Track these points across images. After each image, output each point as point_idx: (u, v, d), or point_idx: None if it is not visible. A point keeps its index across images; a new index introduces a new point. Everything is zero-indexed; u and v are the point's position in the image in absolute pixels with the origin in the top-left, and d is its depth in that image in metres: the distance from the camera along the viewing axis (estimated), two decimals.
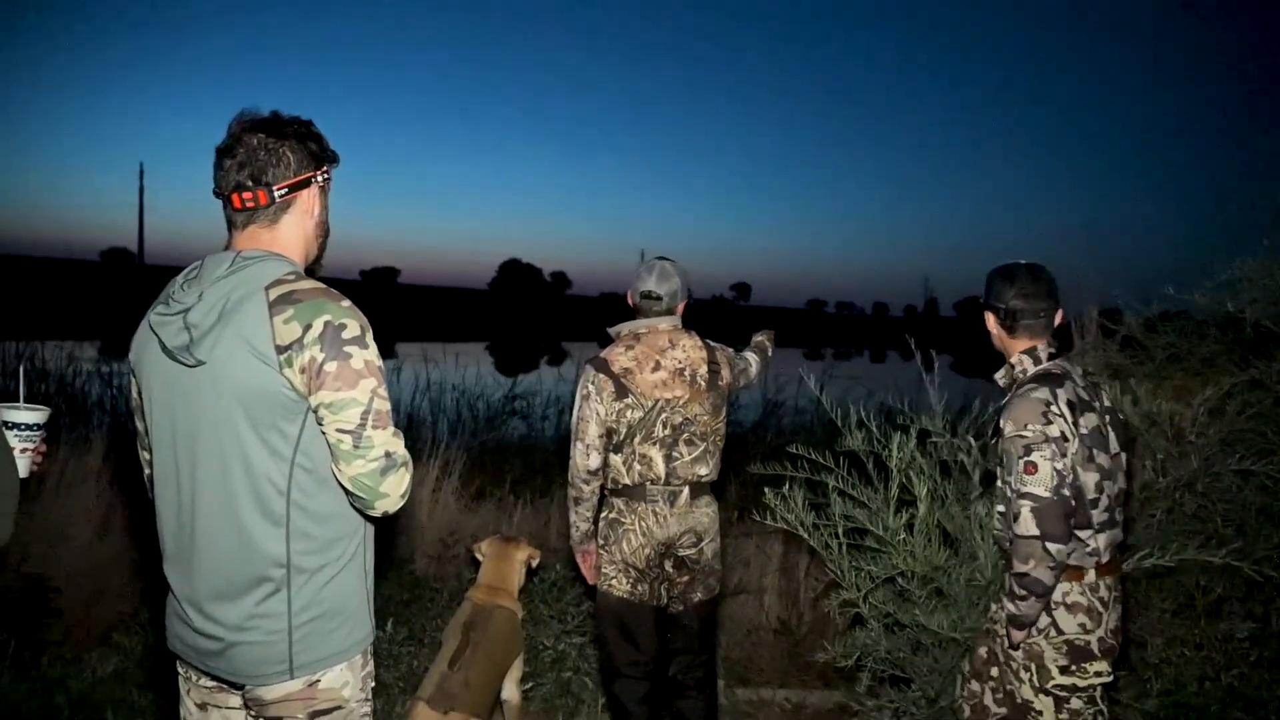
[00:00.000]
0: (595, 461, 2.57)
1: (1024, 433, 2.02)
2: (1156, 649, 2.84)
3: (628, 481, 2.57)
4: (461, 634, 2.72)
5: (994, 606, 2.31)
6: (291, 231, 1.55)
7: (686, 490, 2.58)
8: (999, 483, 2.17)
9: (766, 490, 3.07)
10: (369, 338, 1.45)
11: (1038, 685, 2.13)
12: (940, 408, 2.97)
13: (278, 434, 1.43)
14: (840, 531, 2.94)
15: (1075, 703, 2.11)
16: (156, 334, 1.48)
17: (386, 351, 1.50)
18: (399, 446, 1.46)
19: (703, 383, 2.60)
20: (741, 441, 6.30)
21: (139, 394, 1.58)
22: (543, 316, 42.29)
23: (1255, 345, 3.13)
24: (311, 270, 1.62)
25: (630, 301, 2.71)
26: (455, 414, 7.96)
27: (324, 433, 1.43)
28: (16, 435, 1.62)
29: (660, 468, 2.56)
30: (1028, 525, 1.99)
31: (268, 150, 1.49)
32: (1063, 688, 2.10)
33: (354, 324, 1.43)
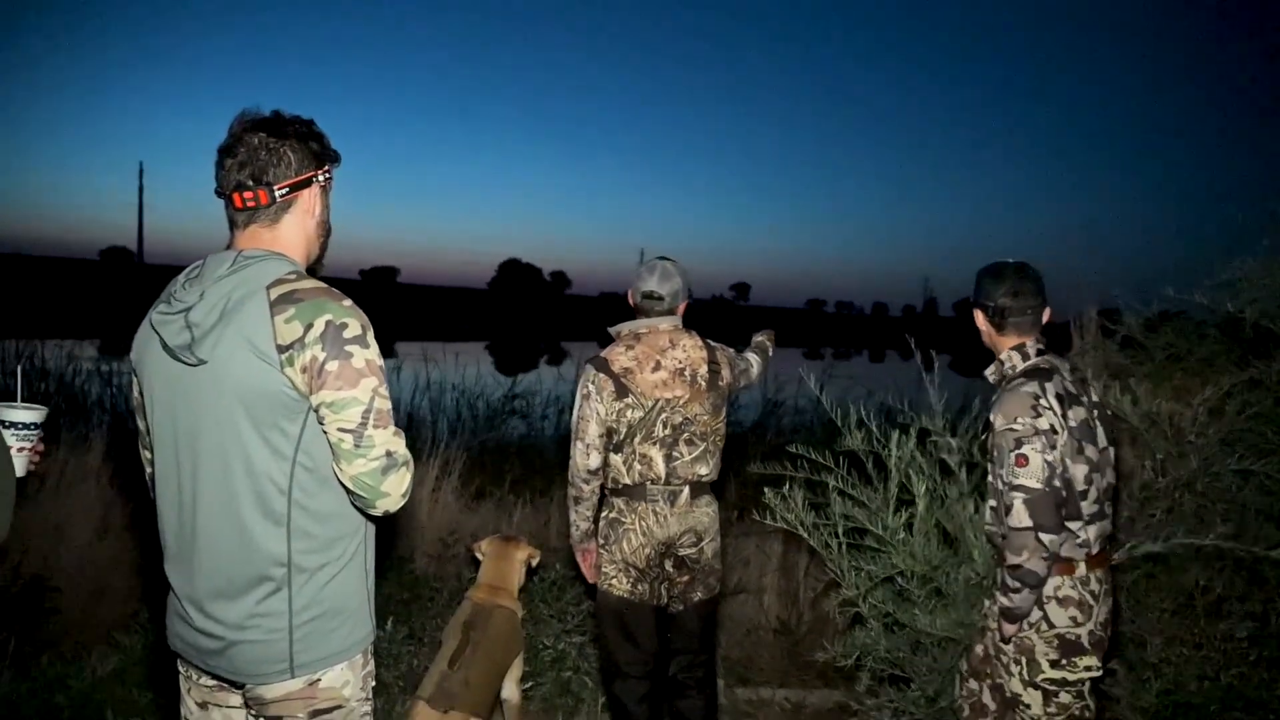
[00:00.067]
0: (595, 461, 2.57)
1: (1014, 426, 2.05)
2: (1156, 648, 2.84)
3: (628, 481, 2.57)
4: (461, 633, 2.72)
5: (987, 603, 2.31)
6: (293, 231, 1.55)
7: (687, 490, 2.58)
8: (990, 478, 2.20)
9: (766, 490, 3.07)
10: (370, 337, 1.45)
11: (1027, 679, 2.15)
12: (940, 407, 2.98)
13: (279, 433, 1.43)
14: (840, 531, 2.94)
15: (1064, 697, 2.14)
16: (158, 333, 1.48)
17: (386, 351, 1.50)
18: (400, 446, 1.46)
19: (703, 383, 2.60)
20: (741, 441, 6.30)
21: (140, 393, 1.58)
22: (542, 316, 42.30)
23: (1255, 345, 3.13)
24: (313, 269, 1.62)
25: (631, 301, 2.71)
26: (455, 413, 7.95)
27: (325, 432, 1.44)
28: (14, 434, 1.62)
29: (660, 467, 2.56)
30: (1021, 517, 2.02)
31: (269, 150, 1.50)
32: (1052, 681, 2.13)
33: (355, 323, 1.44)
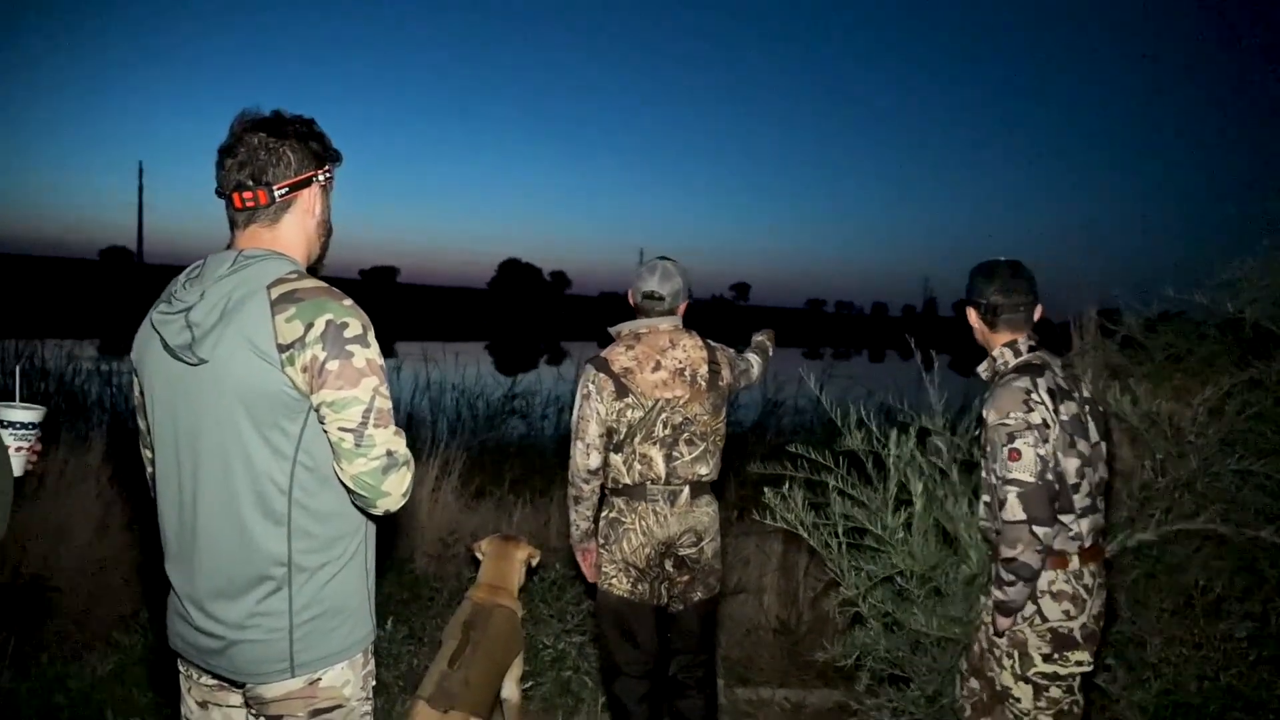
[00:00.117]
0: (595, 461, 2.57)
1: (1006, 420, 2.07)
2: (1155, 648, 2.85)
3: (628, 481, 2.57)
4: (461, 633, 2.72)
5: (983, 599, 2.33)
6: (293, 231, 1.55)
7: (687, 490, 2.58)
8: (983, 473, 2.22)
9: (766, 490, 3.08)
10: (371, 336, 1.45)
11: (1019, 672, 2.17)
12: (940, 406, 2.98)
13: (279, 432, 1.44)
14: (840, 531, 2.95)
15: (1054, 691, 2.16)
16: (159, 332, 1.48)
17: (386, 351, 1.50)
18: (400, 445, 1.46)
19: (703, 383, 2.60)
20: (741, 441, 6.30)
21: (141, 392, 1.58)
22: (542, 316, 42.29)
23: (1255, 345, 3.14)
24: (314, 269, 1.62)
25: (632, 301, 2.71)
26: (455, 413, 7.96)
27: (326, 431, 1.44)
28: (12, 434, 1.62)
29: (660, 467, 2.56)
30: (1014, 510, 2.04)
31: (268, 150, 1.50)
32: (1044, 675, 2.15)
33: (356, 323, 1.44)
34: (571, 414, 2.64)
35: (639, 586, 2.59)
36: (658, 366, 2.56)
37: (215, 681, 1.56)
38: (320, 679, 1.50)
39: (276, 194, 1.50)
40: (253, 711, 1.53)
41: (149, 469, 1.65)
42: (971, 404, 3.08)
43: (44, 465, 4.30)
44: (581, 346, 9.96)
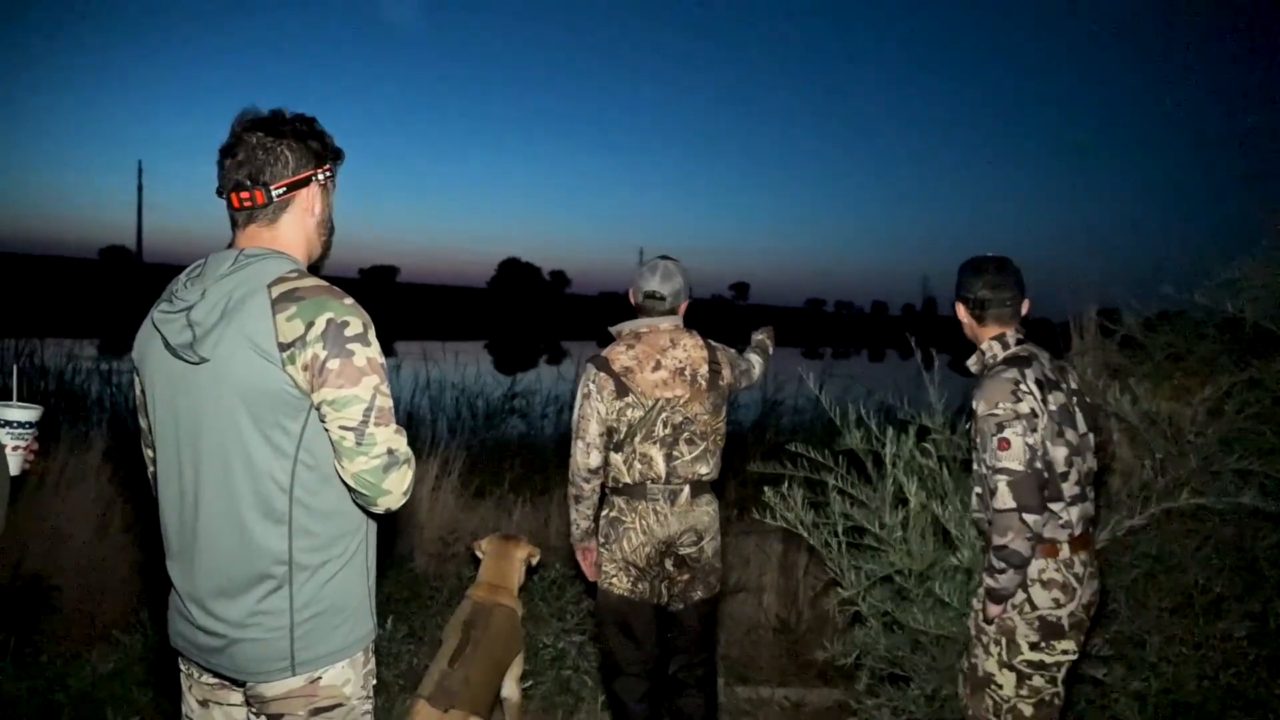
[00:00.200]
0: (596, 460, 2.57)
1: (996, 411, 2.11)
2: (1155, 648, 2.85)
3: (628, 480, 2.57)
4: (462, 632, 2.72)
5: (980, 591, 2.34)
6: (292, 230, 1.55)
7: (687, 489, 2.58)
8: (974, 465, 2.25)
9: (766, 489, 3.08)
10: (371, 335, 1.46)
11: (1005, 659, 2.20)
12: (940, 405, 2.98)
13: (280, 431, 1.44)
14: (839, 530, 2.95)
15: (1037, 680, 2.18)
16: (160, 331, 1.48)
17: (386, 350, 1.51)
18: (401, 444, 1.46)
19: (703, 382, 2.60)
20: (741, 440, 6.31)
21: (142, 391, 1.58)
22: (542, 315, 42.28)
23: (1254, 345, 3.14)
24: (315, 267, 1.62)
25: (633, 301, 2.71)
26: (455, 412, 7.96)
27: (327, 430, 1.44)
28: (9, 433, 1.63)
29: (661, 467, 2.56)
30: (1005, 499, 2.08)
31: (265, 149, 1.50)
32: (1029, 664, 2.18)
33: (356, 321, 1.44)
34: (572, 413, 2.64)
35: (639, 585, 2.59)
36: (658, 366, 2.56)
37: (216, 680, 1.56)
38: (321, 677, 1.50)
39: (274, 194, 1.51)
40: (253, 710, 1.53)
41: (150, 468, 1.65)
42: (971, 402, 3.08)
43: (43, 465, 4.30)
44: (581, 346, 9.96)
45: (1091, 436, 2.26)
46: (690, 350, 2.61)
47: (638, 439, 2.55)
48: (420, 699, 2.54)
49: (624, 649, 2.64)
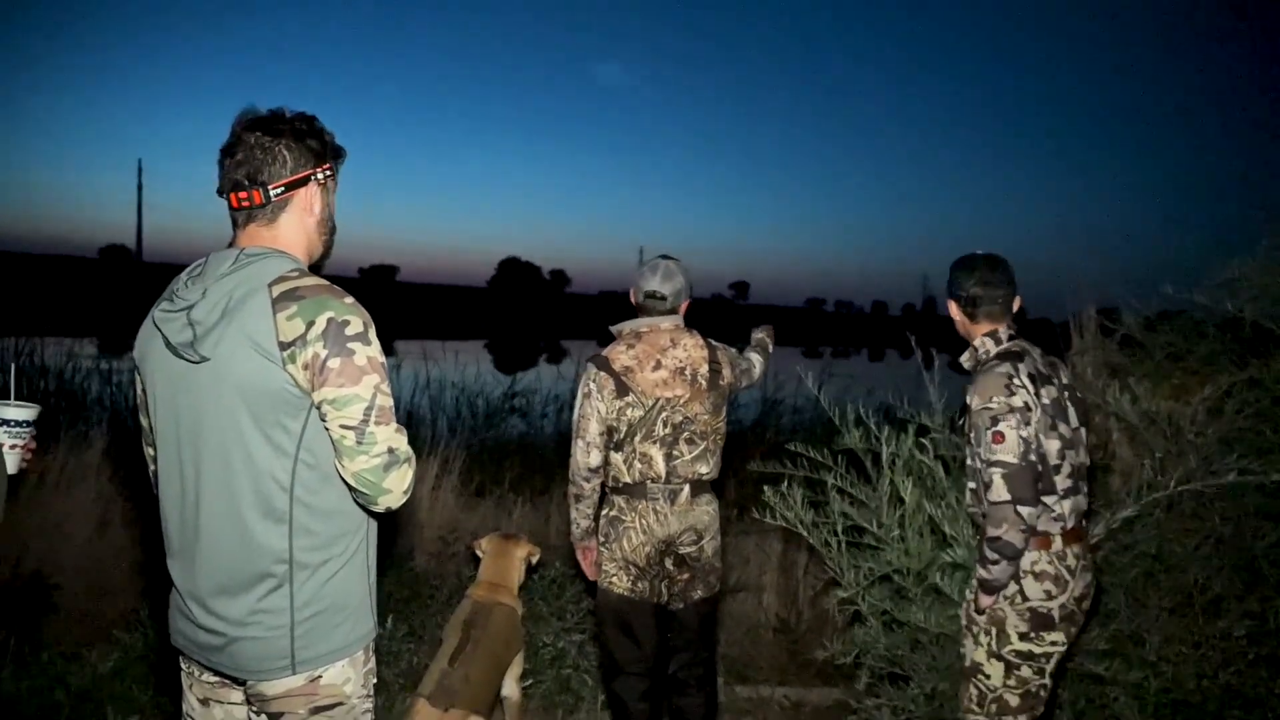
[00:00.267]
0: (596, 459, 2.57)
1: (990, 405, 2.14)
2: (1154, 647, 2.85)
3: (628, 479, 2.58)
4: (462, 631, 2.72)
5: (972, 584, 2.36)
6: (292, 229, 1.55)
7: (687, 488, 2.59)
8: (968, 460, 2.27)
9: (766, 488, 3.08)
10: (372, 334, 1.46)
11: (994, 649, 2.22)
12: (940, 405, 2.98)
13: (281, 430, 1.44)
14: (839, 529, 2.95)
15: (1025, 670, 2.21)
16: (160, 330, 1.48)
17: (386, 349, 1.51)
18: (402, 443, 1.46)
19: (703, 382, 2.60)
20: (741, 440, 6.31)
21: (143, 390, 1.58)
22: (542, 314, 42.28)
23: (1254, 344, 3.14)
24: (317, 266, 1.62)
25: (633, 300, 2.71)
26: (455, 411, 7.96)
27: (327, 429, 1.44)
28: (6, 432, 1.63)
29: (661, 466, 2.56)
30: (1000, 491, 2.10)
31: (264, 149, 1.50)
32: (1018, 654, 2.20)
33: (357, 320, 1.44)
34: (572, 412, 2.64)
35: (639, 585, 2.60)
36: (658, 365, 2.57)
37: (217, 679, 1.57)
38: (321, 676, 1.50)
39: (272, 193, 1.51)
40: (254, 709, 1.53)
41: (151, 466, 1.66)
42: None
43: (42, 464, 4.30)
44: (581, 345, 9.97)
45: (1084, 431, 2.29)
46: (690, 350, 2.61)
47: (638, 438, 2.55)
48: (420, 698, 2.55)
49: (624, 648, 2.65)
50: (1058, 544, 2.19)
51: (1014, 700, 2.21)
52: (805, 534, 3.02)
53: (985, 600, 2.22)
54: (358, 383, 1.41)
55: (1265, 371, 3.03)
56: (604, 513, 2.65)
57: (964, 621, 2.32)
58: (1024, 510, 2.09)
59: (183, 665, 1.62)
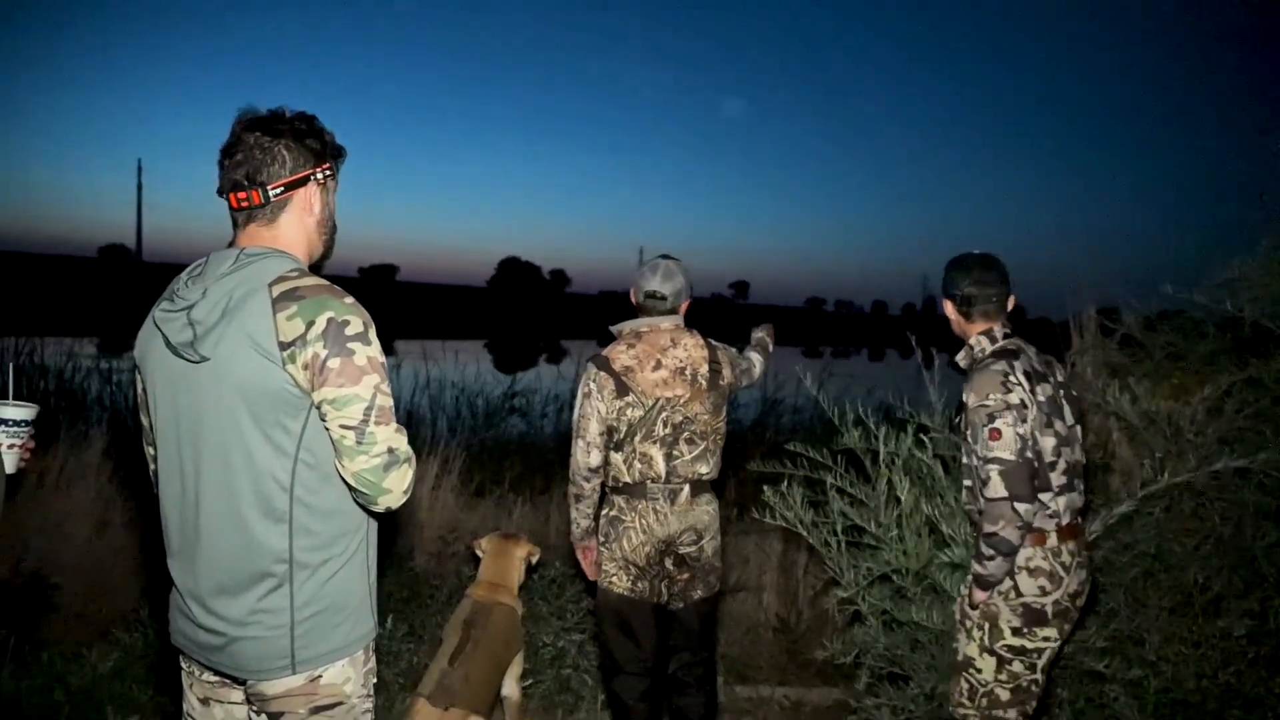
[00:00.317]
0: (596, 459, 2.57)
1: (986, 402, 2.15)
2: (1154, 647, 2.85)
3: (628, 479, 2.58)
4: (462, 630, 2.72)
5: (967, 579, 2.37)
6: (291, 229, 1.55)
7: (687, 488, 2.59)
8: (964, 459, 2.27)
9: (765, 488, 3.08)
10: (372, 334, 1.46)
11: (986, 644, 2.24)
12: (940, 404, 2.99)
13: (281, 430, 1.44)
14: (838, 529, 2.95)
15: (1017, 665, 2.22)
16: (161, 330, 1.49)
17: (386, 349, 1.51)
18: (402, 443, 1.46)
19: (703, 382, 2.60)
20: (741, 439, 6.31)
21: (143, 390, 1.58)
22: (542, 314, 42.28)
23: (1254, 344, 3.14)
24: (318, 266, 1.62)
25: (634, 300, 2.71)
26: (454, 411, 7.96)
27: (327, 429, 1.44)
28: (4, 431, 1.64)
29: (660, 466, 2.56)
30: (997, 488, 2.11)
31: (263, 149, 1.50)
32: (1010, 648, 2.21)
33: (357, 320, 1.44)
34: (572, 412, 2.64)
35: (639, 584, 2.60)
36: (658, 365, 2.57)
37: (217, 678, 1.57)
38: (321, 676, 1.50)
39: (271, 194, 1.51)
40: (254, 708, 1.53)
41: (151, 466, 1.66)
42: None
43: (42, 464, 4.30)
44: (581, 345, 9.97)
45: (1079, 428, 2.31)
46: (691, 350, 2.61)
47: (638, 438, 2.55)
48: (420, 697, 2.55)
49: (624, 648, 2.65)
50: (1053, 540, 2.21)
51: (1005, 695, 2.23)
52: (805, 534, 3.02)
53: (980, 595, 2.23)
54: (358, 383, 1.41)
55: (1265, 371, 3.03)
56: (604, 512, 2.65)
57: (958, 616, 2.34)
58: (1021, 507, 2.10)
59: (183, 665, 1.62)
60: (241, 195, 1.51)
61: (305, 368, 1.41)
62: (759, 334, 3.03)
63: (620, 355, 2.58)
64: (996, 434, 2.12)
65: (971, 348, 2.34)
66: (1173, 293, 3.25)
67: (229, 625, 1.47)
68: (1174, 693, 2.81)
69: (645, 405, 2.54)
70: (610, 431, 2.57)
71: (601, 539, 2.65)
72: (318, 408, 1.44)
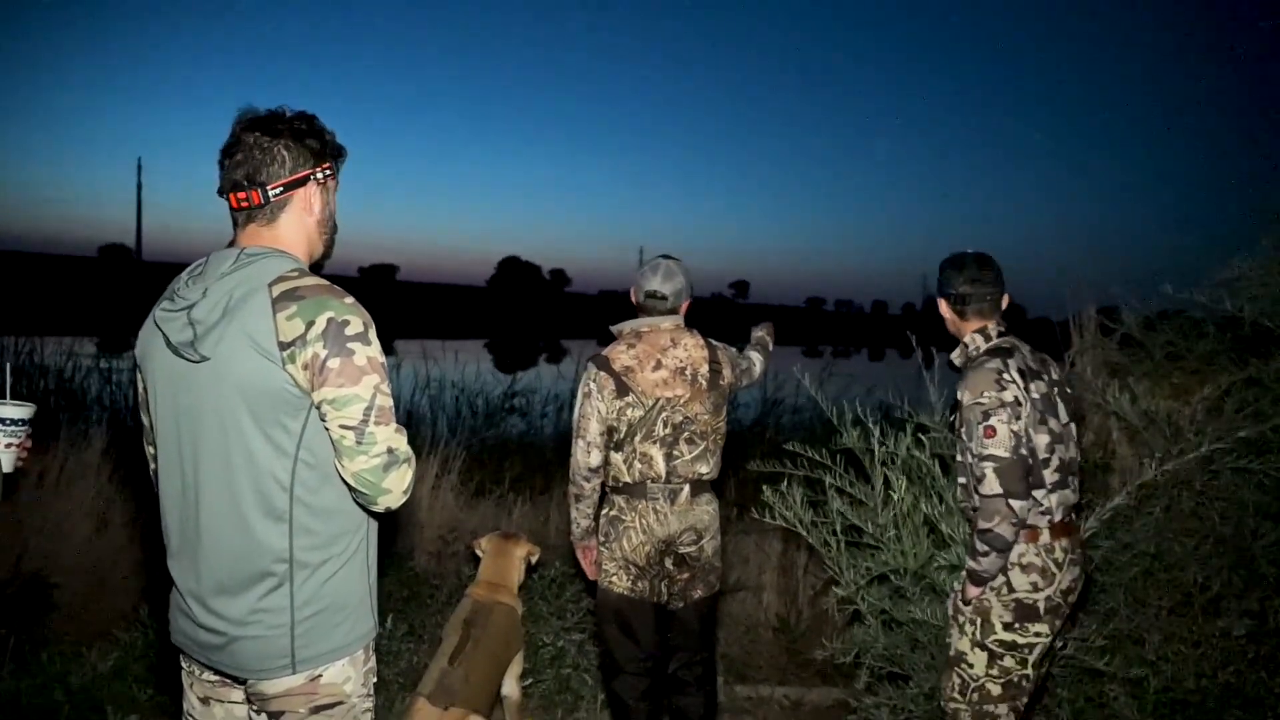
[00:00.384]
0: (596, 459, 2.57)
1: (981, 400, 2.17)
2: (1154, 646, 2.85)
3: (628, 479, 2.58)
4: (461, 630, 2.73)
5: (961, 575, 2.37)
6: (292, 229, 1.55)
7: (687, 488, 2.59)
8: (959, 456, 2.29)
9: (765, 488, 3.08)
10: (372, 334, 1.46)
11: (978, 639, 2.25)
12: (940, 404, 2.99)
13: (281, 430, 1.44)
14: (837, 528, 2.96)
15: (1008, 660, 2.23)
16: (161, 330, 1.49)
17: (386, 348, 1.51)
18: (401, 443, 1.46)
19: (704, 382, 2.60)
20: (741, 439, 6.31)
21: (144, 389, 1.58)
22: (541, 314, 42.27)
23: (1253, 344, 3.14)
24: (319, 265, 1.63)
25: (634, 300, 2.71)
26: (454, 411, 7.95)
27: (327, 429, 1.44)
28: (1, 430, 1.63)
29: (661, 466, 2.56)
30: (992, 485, 2.13)
31: (262, 150, 1.50)
32: (1001, 643, 2.23)
33: (357, 320, 1.44)
34: (572, 412, 2.65)
35: (639, 584, 2.60)
36: (659, 365, 2.57)
37: (217, 677, 1.57)
38: (321, 675, 1.50)
39: (271, 194, 1.51)
40: (255, 707, 1.53)
41: (152, 465, 1.66)
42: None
43: (42, 463, 4.30)
44: (581, 345, 9.97)
45: (1073, 426, 2.32)
46: (691, 350, 2.61)
47: (638, 438, 2.55)
48: (420, 697, 2.55)
49: (624, 647, 2.65)
50: (1045, 537, 2.22)
51: (995, 689, 2.24)
52: (804, 533, 3.02)
53: (973, 591, 2.25)
54: (357, 383, 1.41)
55: (1265, 370, 3.03)
56: (604, 512, 2.65)
57: (951, 612, 2.36)
58: (1015, 503, 2.12)
59: (183, 664, 1.62)
60: (241, 195, 1.51)
61: (305, 368, 1.41)
62: (759, 333, 3.03)
63: (620, 355, 2.58)
64: (991, 431, 2.13)
65: (966, 346, 2.35)
66: (1173, 292, 3.26)
67: (229, 624, 1.47)
68: (1174, 692, 2.81)
69: (645, 405, 2.54)
70: (610, 431, 2.57)
71: (601, 539, 2.65)
72: (317, 408, 1.44)
